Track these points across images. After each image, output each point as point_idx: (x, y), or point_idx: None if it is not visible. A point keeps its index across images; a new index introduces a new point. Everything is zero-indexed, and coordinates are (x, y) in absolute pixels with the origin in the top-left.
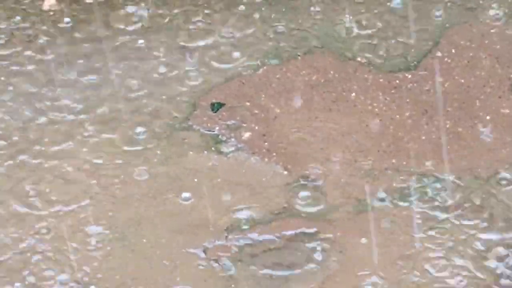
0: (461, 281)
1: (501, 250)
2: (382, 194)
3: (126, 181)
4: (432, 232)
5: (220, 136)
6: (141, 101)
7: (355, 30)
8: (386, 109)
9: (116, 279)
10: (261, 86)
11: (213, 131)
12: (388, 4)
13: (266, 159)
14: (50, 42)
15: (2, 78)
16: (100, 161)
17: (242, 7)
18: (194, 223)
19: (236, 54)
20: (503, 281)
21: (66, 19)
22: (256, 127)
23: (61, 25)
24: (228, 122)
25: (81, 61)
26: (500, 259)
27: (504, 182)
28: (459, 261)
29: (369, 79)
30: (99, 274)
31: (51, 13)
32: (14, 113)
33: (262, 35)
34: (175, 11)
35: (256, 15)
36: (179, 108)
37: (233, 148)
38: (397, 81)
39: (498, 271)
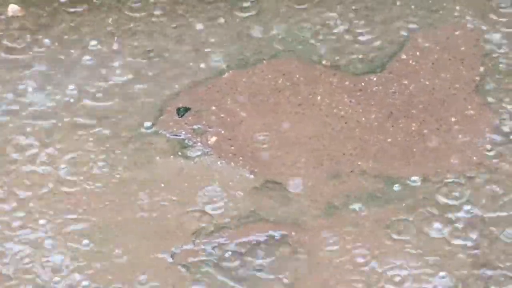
0: (431, 282)
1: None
2: (348, 197)
3: (93, 186)
4: (399, 235)
5: (186, 141)
6: (106, 107)
7: (321, 33)
8: (351, 111)
9: (83, 285)
10: (227, 90)
11: (180, 136)
12: (353, 7)
13: (232, 163)
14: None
15: None
16: (65, 167)
17: (207, 12)
18: (161, 228)
19: (202, 58)
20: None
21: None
22: (222, 132)
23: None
24: (194, 127)
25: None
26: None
27: (469, 183)
28: (427, 264)
29: (335, 82)
30: (67, 280)
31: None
32: None
33: (228, 39)
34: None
35: (221, 20)
36: (145, 113)
37: (199, 153)
38: (362, 84)
39: (466, 276)
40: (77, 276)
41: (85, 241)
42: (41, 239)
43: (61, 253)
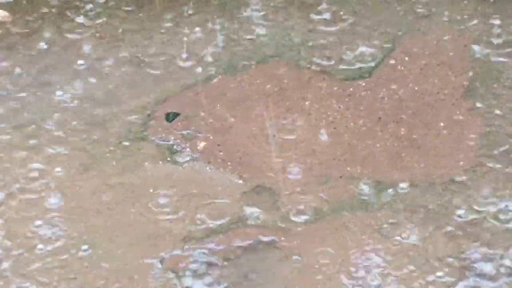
0: (421, 284)
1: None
2: (337, 202)
3: (82, 192)
4: (388, 239)
5: (175, 146)
6: (96, 112)
7: (309, 39)
8: (340, 117)
9: None
10: (216, 95)
11: (169, 141)
12: (341, 12)
13: (221, 169)
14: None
15: None
16: (55, 172)
17: (195, 17)
18: (150, 234)
19: (191, 64)
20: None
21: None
22: (211, 137)
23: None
24: (183, 132)
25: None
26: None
27: (458, 187)
28: (417, 267)
29: (323, 87)
30: (55, 285)
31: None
32: None
33: (217, 44)
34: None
35: (210, 25)
36: (134, 118)
37: (188, 158)
38: (351, 89)
39: (453, 276)
40: (66, 283)
41: (74, 248)
42: (30, 244)
43: (49, 259)
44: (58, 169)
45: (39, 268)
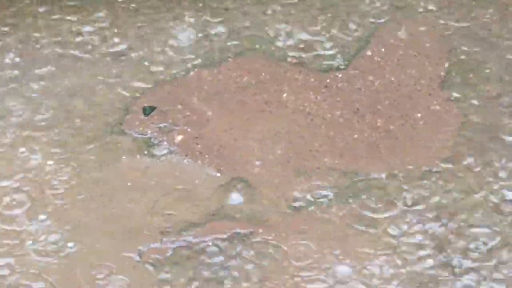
0: (397, 277)
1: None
2: (315, 194)
3: (60, 187)
4: (366, 230)
5: (152, 140)
6: (73, 106)
7: (285, 31)
8: (317, 108)
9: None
10: (193, 88)
11: (146, 135)
12: (317, 4)
13: (199, 162)
14: None
15: None
16: (33, 167)
17: (172, 10)
18: (129, 227)
19: (168, 57)
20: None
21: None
22: (189, 130)
23: None
24: (160, 126)
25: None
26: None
27: (435, 178)
28: (394, 258)
29: (300, 79)
30: (35, 281)
31: None
32: None
33: (194, 37)
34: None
35: (187, 18)
36: (111, 112)
37: (165, 151)
38: (328, 81)
39: (432, 268)
40: (44, 276)
41: (53, 241)
42: (10, 237)
43: (27, 253)
44: (36, 164)
45: (17, 263)
